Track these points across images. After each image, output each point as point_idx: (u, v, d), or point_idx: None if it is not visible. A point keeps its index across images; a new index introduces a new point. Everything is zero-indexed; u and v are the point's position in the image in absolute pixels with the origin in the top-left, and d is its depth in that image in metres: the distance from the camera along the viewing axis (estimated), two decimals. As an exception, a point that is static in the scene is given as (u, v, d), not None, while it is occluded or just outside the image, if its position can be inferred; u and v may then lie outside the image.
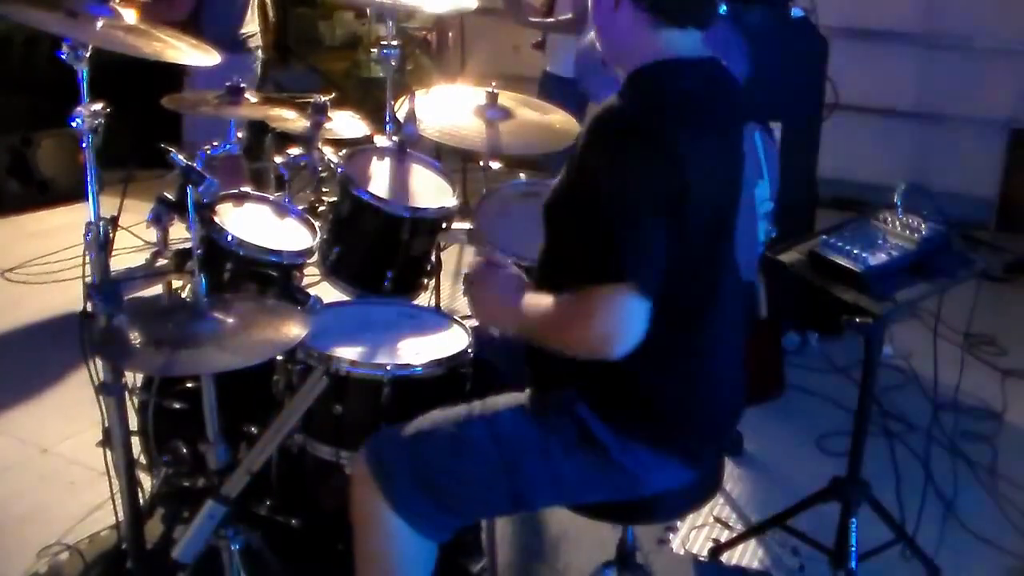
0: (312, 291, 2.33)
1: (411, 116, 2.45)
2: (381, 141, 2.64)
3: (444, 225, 2.42)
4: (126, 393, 2.12)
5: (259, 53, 4.15)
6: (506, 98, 2.55)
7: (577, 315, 1.53)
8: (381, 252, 2.36)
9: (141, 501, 2.21)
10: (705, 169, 1.54)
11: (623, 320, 1.48)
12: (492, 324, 1.78)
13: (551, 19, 4.21)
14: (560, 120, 2.63)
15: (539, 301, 1.64)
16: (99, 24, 2.00)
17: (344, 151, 2.46)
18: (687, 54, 1.61)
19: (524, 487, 1.68)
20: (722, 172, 1.63)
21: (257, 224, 2.32)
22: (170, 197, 2.02)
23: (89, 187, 2.00)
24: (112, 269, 2.03)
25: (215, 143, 2.32)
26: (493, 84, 2.53)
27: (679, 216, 1.52)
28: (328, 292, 2.39)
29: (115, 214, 2.03)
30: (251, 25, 4.09)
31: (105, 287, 1.97)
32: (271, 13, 4.58)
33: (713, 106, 1.63)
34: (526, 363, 1.79)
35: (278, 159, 2.49)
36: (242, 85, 2.47)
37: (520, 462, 1.66)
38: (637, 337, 1.49)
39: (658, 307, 1.54)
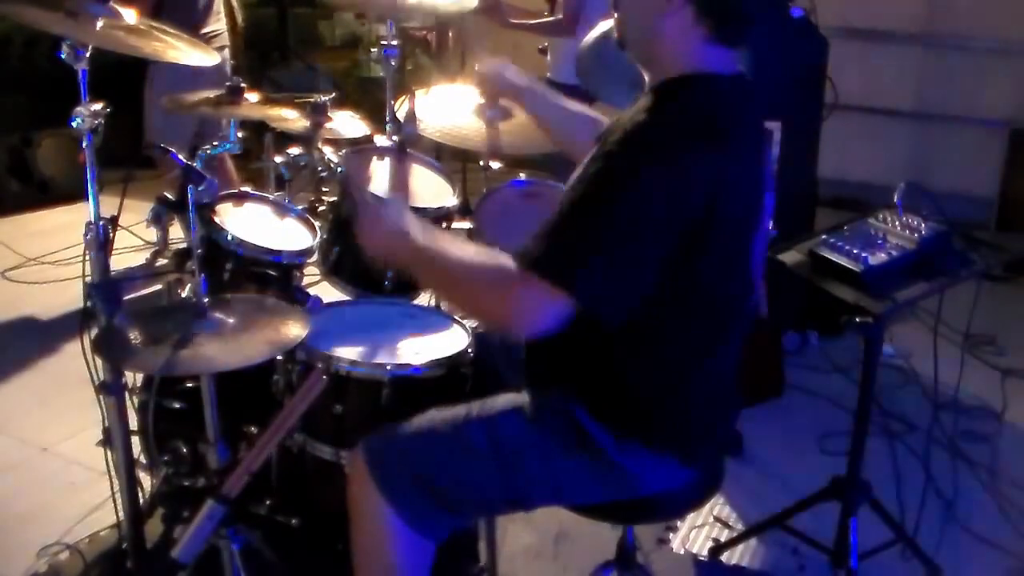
0: (312, 291, 2.34)
1: (411, 116, 2.45)
2: (381, 141, 2.64)
3: (444, 225, 2.42)
4: (126, 393, 2.12)
5: (226, 54, 4.04)
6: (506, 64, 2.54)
7: (505, 288, 1.51)
8: (381, 252, 2.35)
9: (141, 501, 2.22)
10: (733, 190, 1.53)
11: (544, 321, 1.49)
12: (384, 253, 1.72)
13: (535, 20, 4.09)
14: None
15: (462, 246, 1.63)
16: (99, 24, 2.00)
17: (344, 151, 2.46)
18: (722, 70, 1.58)
19: (522, 488, 1.68)
20: (747, 191, 1.60)
21: (257, 224, 2.32)
22: (170, 197, 2.02)
23: (89, 187, 2.00)
24: (112, 269, 2.03)
25: (216, 143, 2.32)
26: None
27: (697, 237, 1.50)
28: (328, 292, 2.39)
29: (115, 214, 2.03)
30: (215, 24, 4.04)
31: (105, 287, 1.98)
32: (239, 17, 4.52)
33: (744, 126, 1.61)
34: (524, 363, 1.79)
35: (278, 159, 2.49)
36: (237, 84, 2.46)
37: (518, 463, 1.66)
38: (545, 334, 1.50)
39: (666, 315, 1.56)
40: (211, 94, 2.44)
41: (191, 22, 3.85)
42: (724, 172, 1.51)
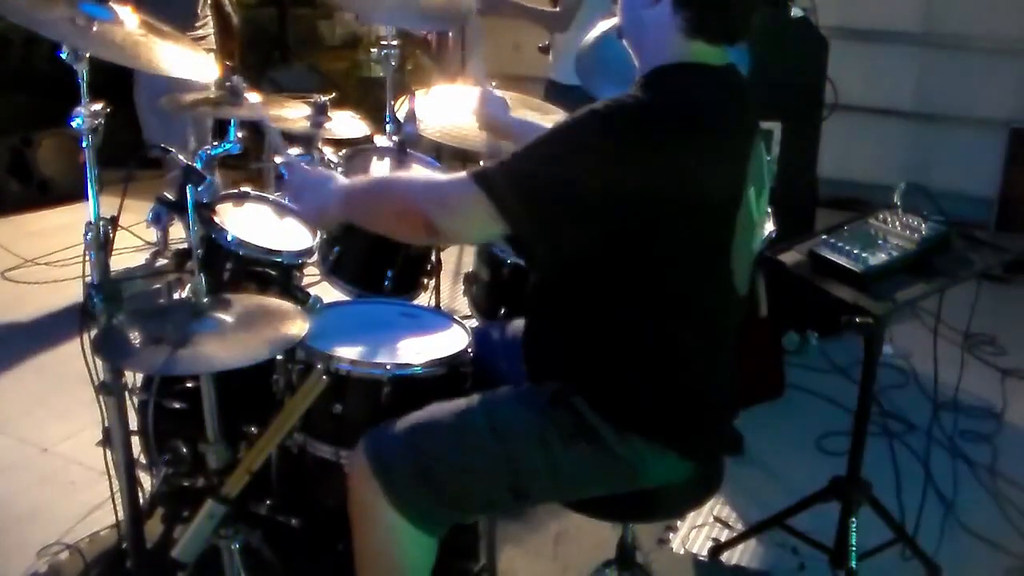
0: (312, 291, 2.34)
1: (411, 116, 2.45)
2: (381, 141, 2.64)
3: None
4: (126, 393, 2.12)
5: (211, 56, 4.04)
6: (506, 98, 2.55)
7: (443, 190, 1.57)
8: (381, 252, 2.36)
9: (141, 501, 2.22)
10: (707, 180, 1.53)
11: (473, 230, 1.56)
12: (316, 201, 1.78)
13: (532, 6, 4.09)
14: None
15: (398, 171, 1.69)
16: (94, 28, 1.99)
17: (344, 151, 2.46)
18: (710, 62, 1.60)
19: (523, 479, 1.68)
20: (724, 182, 1.60)
21: (257, 224, 2.32)
22: (170, 197, 2.02)
23: (89, 187, 2.00)
24: (112, 269, 2.03)
25: (216, 143, 2.32)
26: (493, 84, 2.52)
27: (663, 220, 1.51)
28: (328, 292, 2.39)
29: (115, 214, 2.03)
30: (202, 29, 4.02)
31: (105, 287, 1.98)
32: (235, 19, 4.49)
33: (728, 118, 1.61)
34: (523, 357, 1.79)
35: (278, 159, 2.49)
36: (238, 84, 2.45)
37: (519, 453, 1.66)
38: (463, 243, 1.54)
39: (656, 309, 1.57)
40: (201, 95, 2.45)
41: (173, 24, 3.82)
42: (695, 160, 1.51)
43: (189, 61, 2.13)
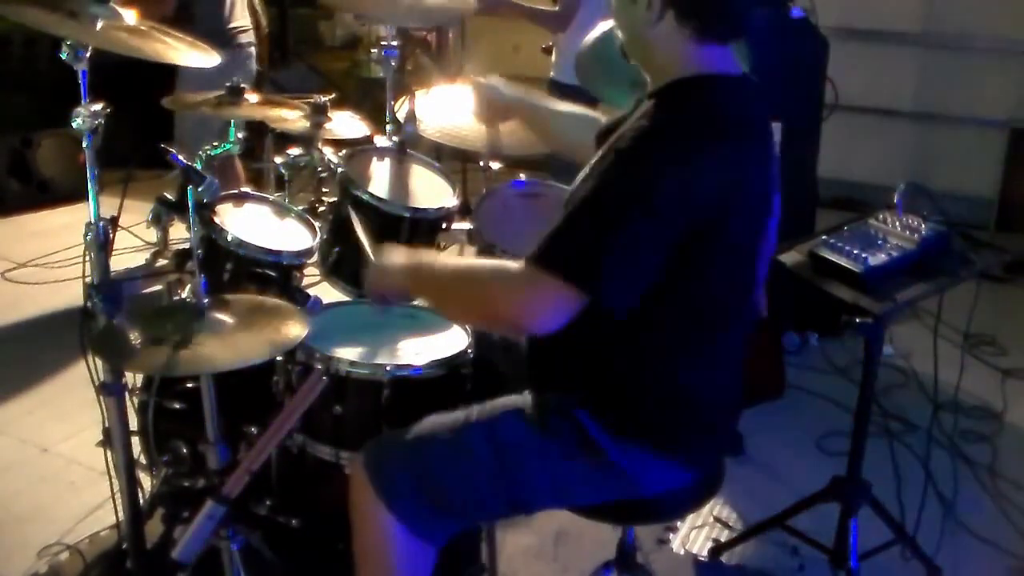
0: (312, 291, 2.34)
1: (411, 116, 2.45)
2: (381, 141, 2.64)
3: (444, 225, 2.42)
4: (126, 393, 2.12)
5: (252, 49, 4.06)
6: (498, 80, 2.54)
7: (513, 286, 1.54)
8: (381, 252, 2.35)
9: (141, 501, 2.22)
10: (745, 188, 1.54)
11: (554, 315, 1.50)
12: (383, 284, 1.76)
13: (530, 5, 4.07)
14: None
15: (460, 258, 1.66)
16: (99, 25, 1.99)
17: (344, 151, 2.46)
18: (726, 70, 1.59)
19: (523, 491, 1.68)
20: (758, 190, 1.61)
21: (257, 224, 2.32)
22: (170, 197, 2.02)
23: (89, 187, 2.00)
24: (112, 269, 2.03)
25: (215, 143, 2.32)
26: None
27: (707, 233, 1.51)
28: (328, 292, 2.39)
29: (115, 214, 2.03)
30: (241, 19, 4.03)
31: (105, 287, 1.97)
32: (263, 20, 4.51)
33: (752, 125, 1.62)
34: (526, 366, 1.79)
35: (278, 159, 2.49)
36: (242, 85, 2.46)
37: (519, 467, 1.66)
38: (554, 330, 1.51)
39: (670, 315, 1.56)
40: (210, 95, 2.44)
41: (220, 17, 3.83)
42: (735, 169, 1.52)
43: (191, 54, 2.13)
